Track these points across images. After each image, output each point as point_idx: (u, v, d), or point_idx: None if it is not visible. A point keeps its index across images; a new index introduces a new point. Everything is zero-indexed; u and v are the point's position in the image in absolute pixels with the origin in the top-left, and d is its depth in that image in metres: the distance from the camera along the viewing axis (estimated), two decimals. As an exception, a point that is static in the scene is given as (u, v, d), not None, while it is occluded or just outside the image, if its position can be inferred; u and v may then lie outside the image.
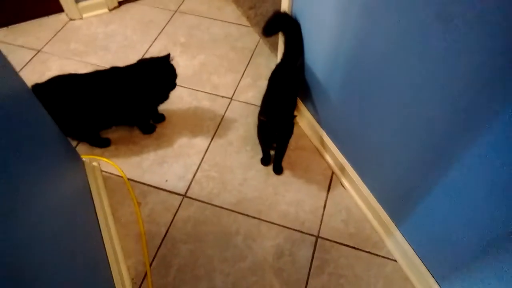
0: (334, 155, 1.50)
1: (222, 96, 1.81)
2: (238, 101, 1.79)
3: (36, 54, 1.96)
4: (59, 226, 0.94)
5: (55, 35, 2.06)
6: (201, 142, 1.64)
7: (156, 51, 2.00)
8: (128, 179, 1.51)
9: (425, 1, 0.80)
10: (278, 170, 1.54)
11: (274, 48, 1.96)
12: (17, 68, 1.84)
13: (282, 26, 1.47)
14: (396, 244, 1.29)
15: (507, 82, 0.70)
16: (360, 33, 1.07)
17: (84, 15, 2.16)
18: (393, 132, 1.10)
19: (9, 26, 2.08)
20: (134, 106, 1.47)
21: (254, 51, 2.03)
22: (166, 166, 1.56)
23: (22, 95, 1.01)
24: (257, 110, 1.50)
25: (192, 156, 1.59)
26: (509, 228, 0.82)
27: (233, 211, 1.43)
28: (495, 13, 0.67)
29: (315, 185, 1.51)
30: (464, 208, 0.94)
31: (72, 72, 1.42)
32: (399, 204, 1.23)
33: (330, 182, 1.52)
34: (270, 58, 1.98)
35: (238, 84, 1.86)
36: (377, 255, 1.33)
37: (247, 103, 1.78)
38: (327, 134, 1.52)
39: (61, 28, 2.10)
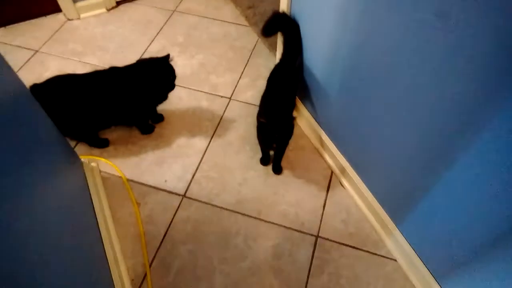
0: (333, 155, 1.49)
1: (221, 96, 1.81)
2: (237, 101, 1.79)
3: (34, 54, 1.95)
4: (58, 227, 0.94)
5: (53, 35, 2.05)
6: (200, 142, 1.63)
7: (154, 51, 1.99)
8: (127, 179, 1.51)
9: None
10: (278, 170, 1.53)
11: (272, 47, 1.95)
12: (15, 69, 1.82)
13: (281, 27, 1.47)
14: (396, 243, 1.29)
15: (507, 80, 0.70)
16: (359, 32, 1.06)
17: (82, 15, 2.15)
18: (393, 132, 1.10)
19: (7, 26, 2.07)
20: (133, 106, 1.46)
21: (252, 51, 2.03)
22: (165, 166, 1.55)
23: (20, 95, 1.01)
24: (256, 109, 1.50)
25: (191, 156, 1.59)
26: (509, 227, 0.82)
27: (232, 211, 1.43)
28: (495, 10, 0.67)
29: (315, 185, 1.51)
30: (464, 207, 0.94)
31: (71, 72, 1.42)
32: (398, 204, 1.23)
33: (330, 182, 1.52)
34: (269, 57, 1.98)
35: (237, 84, 1.86)
36: (377, 254, 1.33)
37: (246, 103, 1.78)
38: (326, 134, 1.52)
39: (59, 28, 2.09)
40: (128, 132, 1.65)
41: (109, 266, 1.20)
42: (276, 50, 1.74)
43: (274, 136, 1.29)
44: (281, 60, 1.49)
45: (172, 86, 1.49)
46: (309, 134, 1.65)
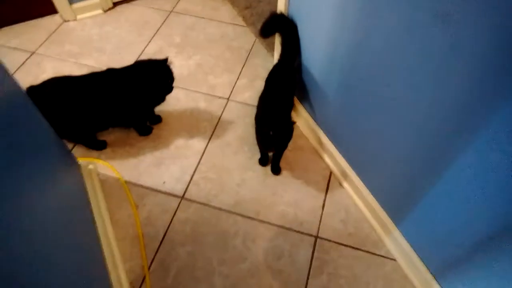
0: (332, 155, 1.49)
1: (219, 97, 1.80)
2: (235, 101, 1.79)
3: (30, 56, 1.94)
4: (56, 230, 0.93)
5: (49, 36, 2.04)
6: (198, 143, 1.63)
7: (151, 52, 1.99)
8: (125, 181, 1.50)
9: None
10: (276, 171, 1.53)
11: (270, 48, 1.95)
12: (11, 70, 1.82)
13: (279, 27, 1.47)
14: (395, 243, 1.29)
15: (506, 79, 0.70)
16: (357, 31, 1.06)
17: (79, 17, 2.14)
18: (391, 131, 1.10)
19: (2, 28, 2.06)
20: (131, 108, 1.45)
21: (250, 51, 2.02)
22: (163, 168, 1.55)
23: (16, 97, 1.00)
24: (254, 110, 1.50)
25: (190, 157, 1.58)
26: (508, 226, 0.82)
27: (231, 212, 1.42)
28: (494, 10, 0.66)
29: (314, 185, 1.50)
30: (462, 207, 0.94)
31: (67, 74, 1.41)
32: (398, 203, 1.23)
33: (329, 182, 1.52)
34: (267, 58, 1.98)
35: (234, 85, 1.86)
36: (376, 254, 1.33)
37: (244, 103, 1.78)
38: (325, 134, 1.52)
39: (55, 30, 2.08)
40: (126, 134, 1.64)
41: (107, 269, 1.19)
42: (274, 50, 1.73)
43: (273, 140, 1.28)
44: (279, 60, 1.49)
45: (170, 89, 1.48)
46: (307, 134, 1.65)
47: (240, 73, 1.91)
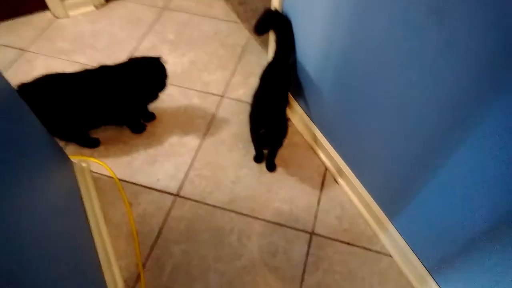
0: (327, 152, 1.49)
1: (213, 94, 1.79)
2: (230, 98, 1.78)
3: (21, 53, 1.91)
4: (48, 229, 0.92)
5: (40, 33, 2.01)
6: (192, 141, 1.62)
7: (144, 49, 1.97)
8: (119, 179, 1.49)
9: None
10: (271, 167, 1.53)
11: (264, 44, 1.94)
12: (2, 69, 1.79)
13: (273, 24, 1.46)
14: (390, 238, 1.30)
15: (500, 76, 0.70)
16: (352, 29, 1.06)
17: (71, 13, 2.12)
18: (385, 127, 1.10)
19: (-8, 25, 2.03)
20: (124, 106, 1.44)
21: (244, 48, 2.01)
22: (157, 165, 1.54)
23: (7, 95, 0.98)
24: (248, 107, 1.49)
25: (184, 155, 1.57)
26: (502, 222, 0.83)
27: (226, 209, 1.42)
28: (488, 7, 0.66)
29: (309, 182, 1.50)
30: (457, 202, 0.94)
31: (59, 71, 1.39)
32: (393, 199, 1.23)
33: (324, 178, 1.52)
34: (261, 54, 1.97)
35: (229, 82, 1.85)
36: (371, 250, 1.34)
37: (238, 100, 1.77)
38: (320, 130, 1.52)
39: (47, 27, 2.05)
40: (119, 132, 1.63)
41: (101, 267, 1.18)
42: (268, 47, 1.73)
43: (267, 137, 1.28)
44: (273, 57, 1.48)
45: (163, 86, 1.47)
46: (302, 131, 1.65)
47: (235, 70, 1.90)
